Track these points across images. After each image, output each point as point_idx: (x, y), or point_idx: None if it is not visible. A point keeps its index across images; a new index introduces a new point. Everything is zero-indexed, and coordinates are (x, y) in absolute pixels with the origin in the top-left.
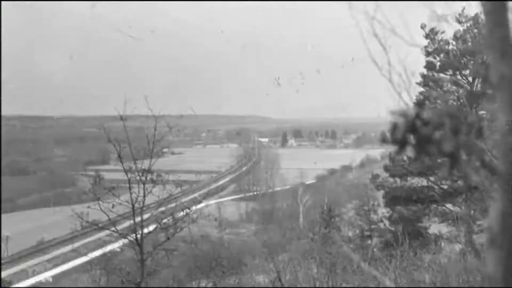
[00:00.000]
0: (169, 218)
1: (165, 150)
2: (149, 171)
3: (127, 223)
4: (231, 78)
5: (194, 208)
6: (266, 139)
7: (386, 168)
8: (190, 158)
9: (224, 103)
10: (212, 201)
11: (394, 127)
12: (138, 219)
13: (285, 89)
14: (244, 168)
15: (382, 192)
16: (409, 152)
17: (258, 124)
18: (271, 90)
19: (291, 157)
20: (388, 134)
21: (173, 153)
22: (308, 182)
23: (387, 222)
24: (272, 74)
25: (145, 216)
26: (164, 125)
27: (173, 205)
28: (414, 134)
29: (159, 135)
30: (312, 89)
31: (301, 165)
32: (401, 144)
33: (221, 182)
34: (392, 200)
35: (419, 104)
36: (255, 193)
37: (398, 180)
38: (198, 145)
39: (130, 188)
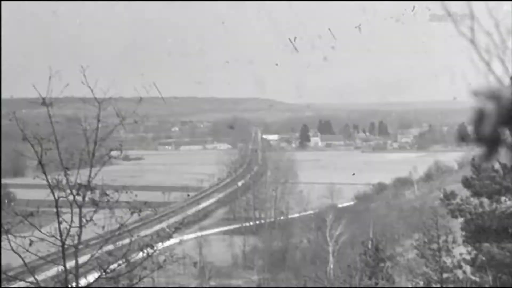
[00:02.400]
0: (120, 262)
1: (114, 153)
2: (88, 187)
3: (53, 270)
4: (220, 41)
5: (160, 246)
6: (276, 136)
7: (466, 183)
8: (155, 167)
9: (209, 79)
10: (190, 235)
11: (480, 116)
12: (71, 263)
13: (305, 57)
14: (240, 183)
15: (460, 220)
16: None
17: (262, 113)
18: (283, 58)
19: (315, 164)
20: (470, 128)
21: (127, 159)
22: (342, 205)
23: (468, 269)
24: (286, 35)
25: (82, 259)
26: (112, 113)
27: (127, 241)
28: None
29: (104, 129)
30: (347, 58)
31: (331, 177)
32: (492, 143)
33: (203, 205)
34: (476, 233)
35: None
36: (257, 222)
37: (486, 201)
38: (167, 146)
39: (58, 214)
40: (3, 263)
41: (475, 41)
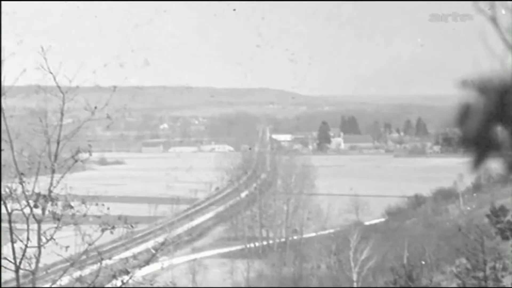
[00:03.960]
0: None
1: (83, 156)
2: (48, 197)
3: None
4: (217, 15)
5: (140, 272)
6: (288, 136)
7: None
8: (138, 173)
9: (203, 65)
10: (181, 259)
11: (466, 112)
12: None
13: (325, 32)
14: (243, 194)
15: None
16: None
17: (272, 107)
18: (297, 40)
19: (337, 171)
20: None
21: (104, 163)
22: (370, 222)
23: None
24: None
25: None
26: (82, 106)
27: (96, 266)
28: None
29: (70, 126)
30: (378, 34)
31: (356, 188)
32: (481, 145)
33: (198, 221)
34: None
35: None
36: (264, 242)
37: None
38: (153, 147)
39: (11, 231)
40: None
41: (496, 19)
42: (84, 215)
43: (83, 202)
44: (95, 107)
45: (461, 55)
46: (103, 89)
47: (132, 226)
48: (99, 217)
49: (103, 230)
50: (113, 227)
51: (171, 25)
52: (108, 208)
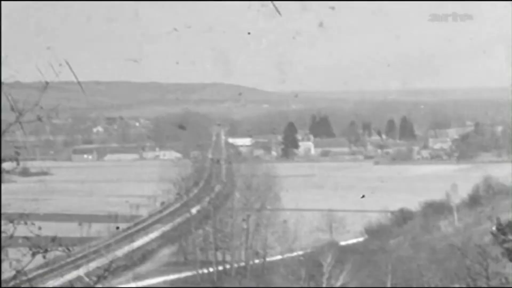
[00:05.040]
0: None
1: (7, 165)
2: None
3: None
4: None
5: None
6: (248, 140)
7: None
8: (68, 185)
9: (148, 55)
10: None
11: None
12: None
13: (292, 23)
14: (194, 209)
15: None
16: None
17: (228, 105)
18: (259, 25)
19: (306, 182)
20: None
21: (27, 173)
22: (346, 242)
23: None
24: None
25: None
26: (6, 106)
27: None
28: None
29: None
30: (353, 23)
31: (330, 201)
32: None
33: (140, 242)
34: None
35: None
36: (219, 267)
37: None
38: (86, 155)
39: None
40: None
41: None
42: (11, 237)
43: (11, 221)
44: (21, 108)
45: (453, 45)
46: (24, 85)
47: (68, 250)
48: (28, 238)
49: (34, 254)
50: (46, 251)
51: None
52: (40, 228)
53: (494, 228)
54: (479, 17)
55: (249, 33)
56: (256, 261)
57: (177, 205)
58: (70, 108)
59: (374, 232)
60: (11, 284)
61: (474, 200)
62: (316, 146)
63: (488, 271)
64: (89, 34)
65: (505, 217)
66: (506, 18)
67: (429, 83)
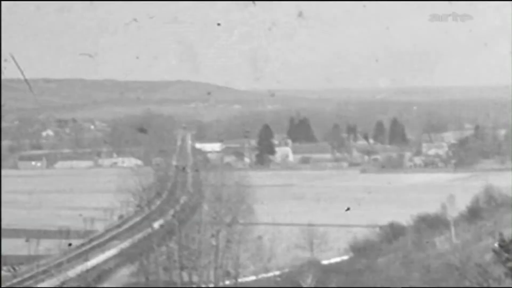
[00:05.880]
0: None
1: None
2: None
3: None
4: None
5: None
6: (217, 145)
7: None
8: (13, 196)
9: (104, 50)
10: None
11: None
12: None
13: (268, 13)
14: (156, 224)
15: None
16: None
17: (195, 105)
18: (230, 15)
19: (284, 193)
20: None
21: None
22: (329, 261)
23: None
24: None
25: None
26: None
27: None
28: None
29: None
30: (337, 14)
31: (311, 214)
32: None
33: (95, 261)
34: None
35: None
36: None
37: None
38: (34, 162)
39: None
40: None
41: None
42: None
43: None
44: None
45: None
46: None
47: (14, 269)
48: None
49: None
50: None
51: None
52: None
53: (496, 245)
54: (479, 4)
55: (219, 24)
56: (227, 282)
57: (137, 218)
58: (16, 109)
59: (360, 250)
60: None
61: (473, 214)
62: (294, 152)
63: None
64: (38, 25)
65: (508, 233)
66: (510, 6)
67: (422, 80)
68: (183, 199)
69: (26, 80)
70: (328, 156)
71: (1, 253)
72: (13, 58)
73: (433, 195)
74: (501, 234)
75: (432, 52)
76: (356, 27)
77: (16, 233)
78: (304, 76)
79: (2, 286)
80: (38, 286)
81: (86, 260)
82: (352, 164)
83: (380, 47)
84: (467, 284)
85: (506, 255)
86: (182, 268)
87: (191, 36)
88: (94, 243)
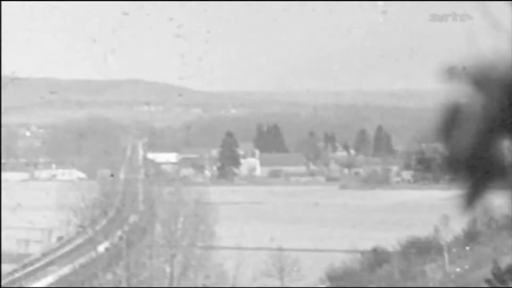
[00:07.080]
0: None
1: None
2: None
3: None
4: None
5: None
6: (173, 156)
7: None
8: None
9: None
10: None
11: (454, 119)
12: None
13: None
14: (101, 247)
15: None
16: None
17: (146, 109)
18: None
19: (250, 212)
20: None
21: None
22: None
23: None
24: None
25: None
26: None
27: None
28: None
29: None
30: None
31: (280, 237)
32: (477, 170)
33: None
34: None
35: None
36: None
37: None
38: None
39: None
40: None
41: None
42: None
43: None
44: None
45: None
46: None
47: None
48: None
49: None
50: None
51: None
52: None
53: (491, 273)
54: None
55: (171, 20)
56: None
57: (80, 240)
58: None
59: (338, 279)
60: None
61: (470, 238)
62: (263, 164)
63: None
64: None
65: (507, 260)
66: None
67: (412, 81)
68: (132, 219)
69: None
70: (302, 169)
71: None
72: None
73: (423, 215)
74: (495, 262)
75: (422, 45)
76: (339, 15)
77: None
78: (272, 76)
79: None
80: None
81: None
82: (330, 179)
83: (361, 40)
84: None
85: (500, 285)
86: None
87: (143, 29)
88: (29, 269)
